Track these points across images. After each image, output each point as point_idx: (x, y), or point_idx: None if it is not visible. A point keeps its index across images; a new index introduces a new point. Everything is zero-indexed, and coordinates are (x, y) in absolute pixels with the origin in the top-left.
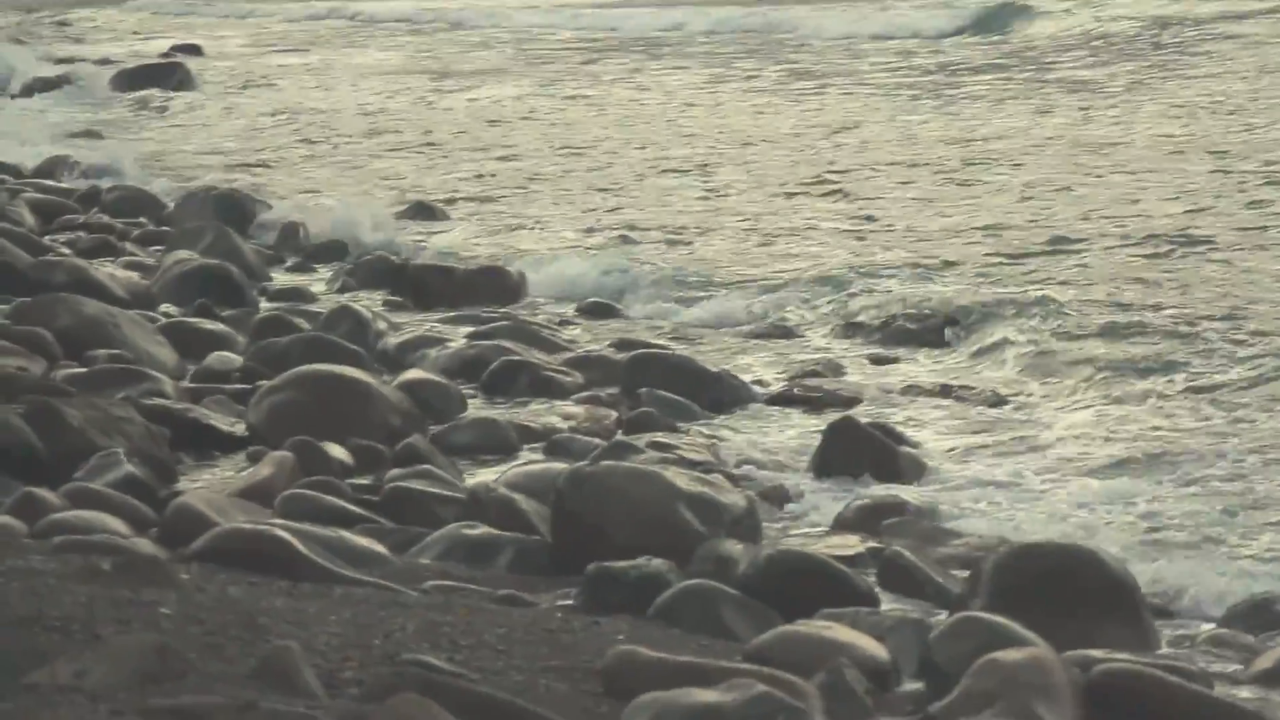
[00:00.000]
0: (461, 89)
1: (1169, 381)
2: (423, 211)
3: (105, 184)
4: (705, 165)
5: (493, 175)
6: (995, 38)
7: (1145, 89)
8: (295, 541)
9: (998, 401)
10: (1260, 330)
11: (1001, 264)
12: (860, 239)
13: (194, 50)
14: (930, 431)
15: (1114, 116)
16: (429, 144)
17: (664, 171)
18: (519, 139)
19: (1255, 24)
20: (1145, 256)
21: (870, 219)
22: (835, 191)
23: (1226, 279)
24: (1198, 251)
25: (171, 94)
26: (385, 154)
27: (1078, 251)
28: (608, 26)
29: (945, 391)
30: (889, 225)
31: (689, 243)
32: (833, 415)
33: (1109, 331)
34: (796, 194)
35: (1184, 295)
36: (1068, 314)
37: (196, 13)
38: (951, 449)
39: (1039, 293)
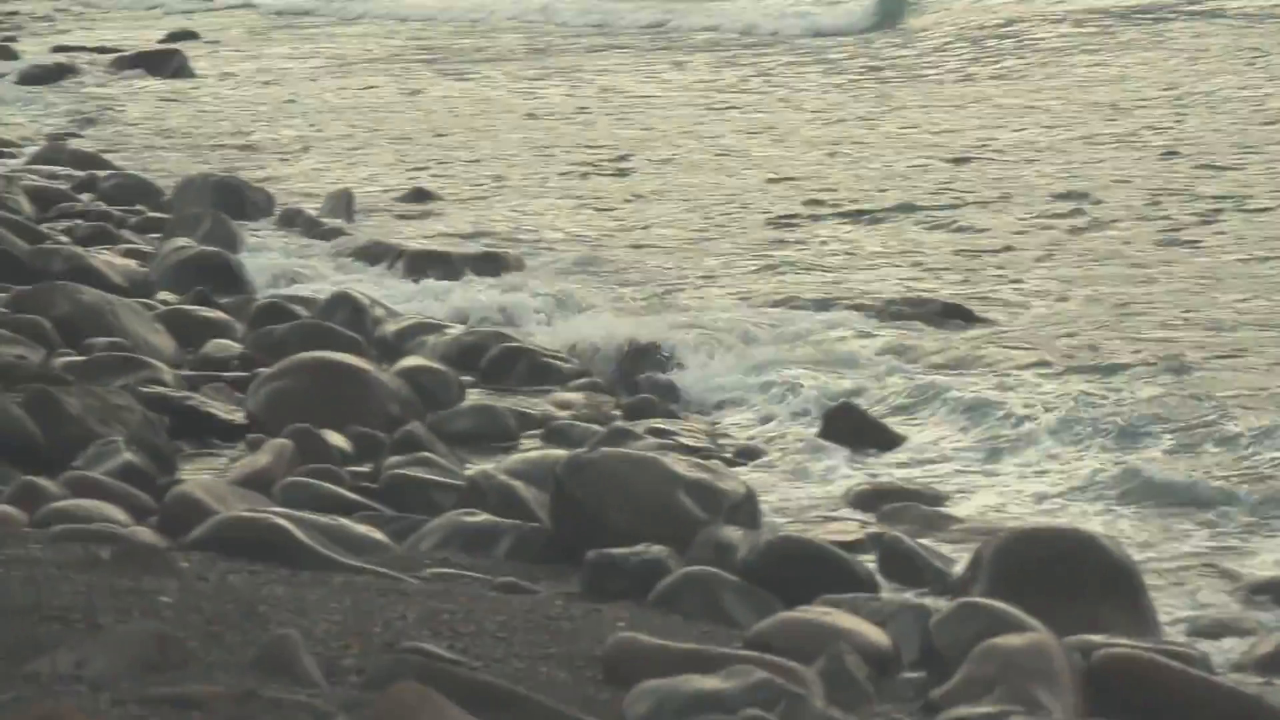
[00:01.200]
0: (449, 78)
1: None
2: (420, 197)
3: (102, 171)
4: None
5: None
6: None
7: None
8: (295, 529)
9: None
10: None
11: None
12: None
13: (191, 36)
14: (927, 416)
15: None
16: (425, 131)
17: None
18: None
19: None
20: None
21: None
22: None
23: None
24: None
25: (168, 80)
26: (382, 141)
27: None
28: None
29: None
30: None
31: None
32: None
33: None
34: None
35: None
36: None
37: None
38: (949, 434)
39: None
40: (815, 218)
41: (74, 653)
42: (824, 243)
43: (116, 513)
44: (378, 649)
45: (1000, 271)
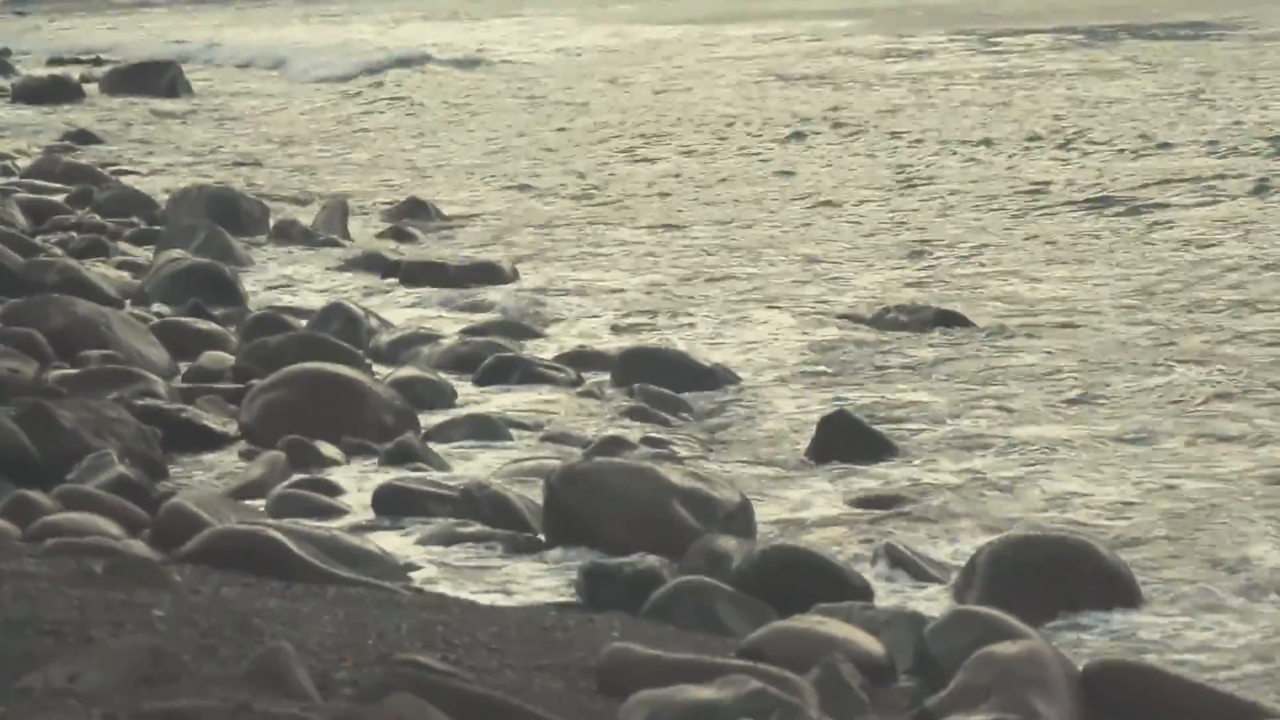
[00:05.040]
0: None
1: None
2: (418, 209)
3: (97, 184)
4: None
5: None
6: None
7: None
8: (288, 541)
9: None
10: None
11: None
12: None
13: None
14: (922, 419)
15: None
16: (426, 146)
17: None
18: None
19: None
20: None
21: None
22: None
23: None
24: None
25: (163, 94)
26: (379, 155)
27: None
28: None
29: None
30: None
31: None
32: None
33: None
34: None
35: None
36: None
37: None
38: (943, 437)
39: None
40: None
41: (67, 667)
42: None
43: (110, 526)
44: (371, 661)
45: None
